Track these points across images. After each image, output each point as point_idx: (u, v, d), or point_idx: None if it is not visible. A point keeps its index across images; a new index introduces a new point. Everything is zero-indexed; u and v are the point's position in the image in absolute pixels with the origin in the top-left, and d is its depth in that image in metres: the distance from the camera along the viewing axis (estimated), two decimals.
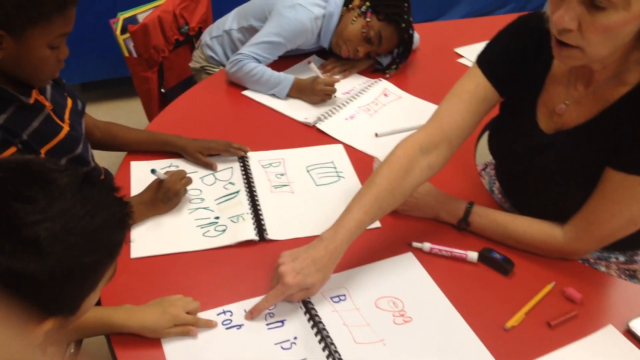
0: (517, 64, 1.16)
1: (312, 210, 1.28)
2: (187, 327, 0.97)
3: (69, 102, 1.25)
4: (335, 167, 1.42)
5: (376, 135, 1.57)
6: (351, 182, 1.37)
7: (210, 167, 1.37)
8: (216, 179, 1.35)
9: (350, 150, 1.50)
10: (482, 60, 1.19)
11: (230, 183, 1.33)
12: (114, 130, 1.40)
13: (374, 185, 1.09)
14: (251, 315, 1.00)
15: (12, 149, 1.07)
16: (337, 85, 1.69)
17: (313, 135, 1.55)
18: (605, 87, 1.05)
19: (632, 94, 1.02)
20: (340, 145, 1.51)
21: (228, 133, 1.46)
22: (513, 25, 1.18)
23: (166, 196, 1.20)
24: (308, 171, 1.40)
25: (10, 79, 1.09)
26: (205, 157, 1.37)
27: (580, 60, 0.98)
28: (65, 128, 1.18)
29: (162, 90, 2.07)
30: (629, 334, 1.03)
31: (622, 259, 1.25)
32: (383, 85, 1.80)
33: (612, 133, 1.04)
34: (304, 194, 1.33)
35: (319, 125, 1.59)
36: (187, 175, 1.26)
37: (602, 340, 1.01)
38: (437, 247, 1.19)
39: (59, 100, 1.21)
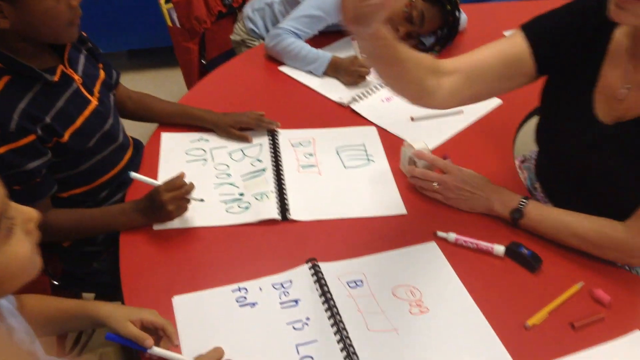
0: (567, 44, 1.08)
1: (337, 192, 1.26)
2: (142, 335, 0.89)
3: (102, 74, 1.25)
4: (365, 150, 1.39)
5: (412, 119, 1.53)
6: (381, 166, 1.34)
7: (245, 139, 1.37)
8: (244, 155, 1.35)
9: (384, 134, 1.47)
10: (528, 26, 1.11)
11: (258, 160, 1.33)
12: (147, 102, 1.41)
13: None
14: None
15: (31, 137, 1.04)
16: (370, 69, 1.65)
17: (347, 116, 1.53)
18: None
19: None
20: (373, 128, 1.47)
21: (261, 108, 1.45)
22: (570, 4, 1.10)
23: (158, 207, 1.10)
24: (338, 152, 1.38)
25: (39, 50, 1.08)
26: (238, 131, 1.37)
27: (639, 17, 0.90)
28: (94, 102, 1.18)
29: (203, 61, 2.07)
30: None
31: None
32: None
33: None
34: (331, 175, 1.31)
35: (354, 106, 1.56)
36: (190, 181, 1.13)
37: (628, 346, 0.97)
38: (462, 238, 1.15)
39: (91, 72, 1.22)
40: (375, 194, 1.26)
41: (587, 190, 1.12)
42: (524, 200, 1.15)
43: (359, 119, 1.52)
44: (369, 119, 1.52)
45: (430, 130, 1.48)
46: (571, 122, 1.12)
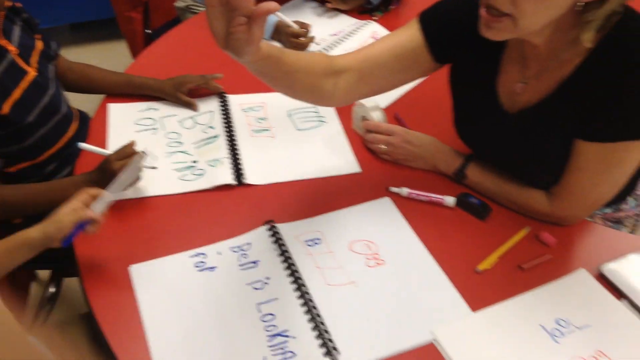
0: (465, 35, 1.05)
1: (291, 155, 1.27)
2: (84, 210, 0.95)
3: (39, 44, 1.21)
4: (317, 112, 1.40)
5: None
6: (333, 126, 1.36)
7: (191, 106, 1.36)
8: (195, 122, 1.34)
9: None
10: (425, 15, 1.10)
11: (209, 127, 1.32)
12: (89, 73, 1.37)
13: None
14: None
15: None
16: (323, 27, 1.64)
17: None
18: (557, 63, 1.00)
19: (583, 66, 0.97)
20: None
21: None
22: None
23: (110, 176, 1.06)
24: (289, 115, 1.38)
25: None
26: (185, 96, 1.35)
27: (510, 33, 0.92)
28: (32, 73, 1.15)
29: (148, 31, 2.02)
30: (601, 277, 1.04)
31: (608, 210, 1.25)
32: (372, 27, 1.75)
33: (573, 105, 1.00)
34: (284, 138, 1.32)
35: None
36: (139, 150, 1.11)
37: (573, 283, 1.02)
38: (415, 192, 1.18)
39: (28, 43, 1.18)
40: (329, 154, 1.28)
41: (513, 173, 1.16)
42: (466, 162, 1.19)
43: None
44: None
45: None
46: (479, 111, 1.15)
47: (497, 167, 1.17)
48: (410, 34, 1.10)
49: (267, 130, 1.34)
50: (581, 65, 0.97)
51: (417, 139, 1.24)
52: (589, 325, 0.95)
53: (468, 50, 1.10)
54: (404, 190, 1.19)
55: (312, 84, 1.01)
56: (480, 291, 1.01)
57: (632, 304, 0.98)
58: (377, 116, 1.29)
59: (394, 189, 1.19)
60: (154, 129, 1.31)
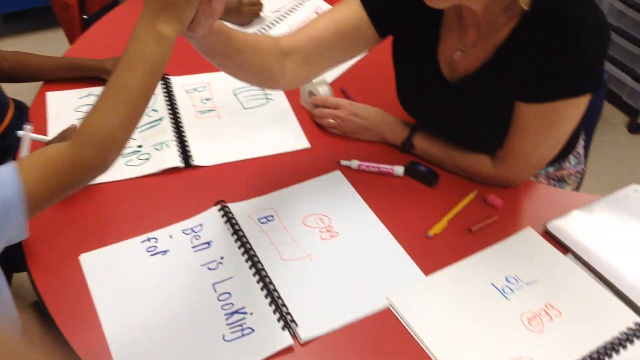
0: (405, 5, 1.08)
1: (240, 134, 1.26)
2: None
3: None
4: (263, 90, 1.39)
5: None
6: (280, 104, 1.35)
7: None
8: None
9: None
10: None
11: (153, 110, 1.29)
12: (23, 59, 1.32)
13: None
14: None
15: None
16: (266, 3, 1.63)
17: None
18: (492, 28, 1.02)
19: (517, 30, 1.00)
20: None
21: None
22: None
23: None
24: (235, 95, 1.37)
25: None
26: None
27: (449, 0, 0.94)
28: None
29: (85, 16, 1.96)
30: (547, 234, 1.07)
31: (551, 169, 1.29)
32: (314, 2, 1.74)
33: (511, 69, 1.02)
34: (231, 118, 1.30)
35: None
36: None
37: (520, 242, 1.06)
38: (364, 164, 1.19)
39: None
40: (278, 132, 1.27)
41: (458, 140, 1.18)
42: (412, 131, 1.20)
43: None
44: None
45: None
46: (421, 81, 1.17)
47: (442, 135, 1.19)
48: (351, 10, 1.09)
49: (212, 110, 1.32)
50: (515, 28, 1.00)
51: (364, 111, 1.24)
52: (537, 280, 0.99)
53: (408, 22, 1.11)
54: (354, 163, 1.20)
55: (261, 64, 1.00)
56: (432, 255, 1.03)
57: (577, 257, 1.03)
58: (323, 90, 1.29)
59: (344, 162, 1.20)
60: None
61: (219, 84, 1.39)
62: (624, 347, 0.89)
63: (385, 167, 1.19)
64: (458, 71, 1.11)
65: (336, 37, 1.08)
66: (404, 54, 1.18)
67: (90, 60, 1.33)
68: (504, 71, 1.04)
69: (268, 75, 1.03)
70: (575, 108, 1.03)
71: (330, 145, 1.25)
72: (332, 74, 1.43)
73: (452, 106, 1.13)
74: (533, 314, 0.94)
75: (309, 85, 1.30)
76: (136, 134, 1.21)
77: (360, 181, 1.17)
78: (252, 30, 1.60)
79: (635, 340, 0.90)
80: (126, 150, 1.18)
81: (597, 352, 0.88)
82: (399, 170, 1.18)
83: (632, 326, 0.92)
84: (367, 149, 1.24)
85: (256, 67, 1.00)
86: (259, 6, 1.60)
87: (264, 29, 1.61)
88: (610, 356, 0.88)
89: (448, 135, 1.18)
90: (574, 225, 1.08)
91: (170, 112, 1.29)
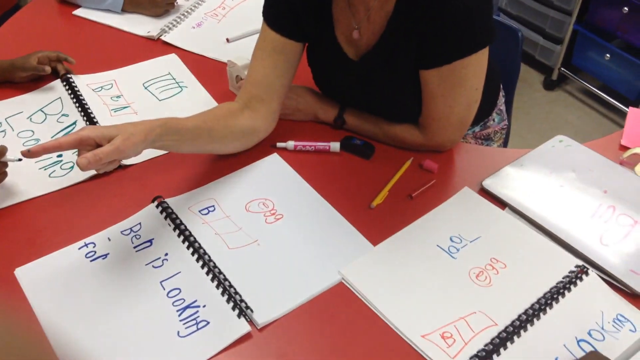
0: (299, 6, 1.10)
1: None
2: None
3: None
4: (174, 78, 1.35)
5: (227, 40, 1.51)
6: (195, 90, 1.32)
7: (41, 71, 1.27)
8: (46, 114, 1.24)
9: (203, 60, 1.43)
10: (266, 16, 1.13)
11: (63, 115, 1.23)
12: None
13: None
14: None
15: None
16: None
17: (159, 49, 1.46)
18: (379, 0, 1.04)
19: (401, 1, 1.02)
20: (173, 55, 1.43)
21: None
22: None
23: None
24: (146, 88, 1.32)
25: None
26: (36, 64, 1.26)
27: None
28: None
29: None
30: (483, 192, 1.11)
31: (477, 128, 1.33)
32: None
33: (405, 38, 1.04)
34: (148, 112, 1.26)
35: (165, 38, 1.49)
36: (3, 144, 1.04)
37: (460, 202, 1.08)
38: (300, 144, 1.19)
39: None
40: None
41: (375, 113, 1.19)
42: (343, 107, 1.21)
43: (172, 50, 1.46)
44: (183, 47, 1.47)
45: (248, 48, 1.46)
46: (330, 65, 1.18)
47: (366, 111, 1.20)
48: (270, 39, 1.12)
49: (126, 107, 1.27)
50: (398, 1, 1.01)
51: (295, 91, 1.23)
52: (480, 237, 1.02)
53: (306, 15, 1.11)
54: (290, 144, 1.19)
55: (230, 128, 1.09)
56: (377, 225, 1.04)
57: (514, 210, 1.06)
58: None
59: (280, 144, 1.19)
60: (3, 131, 1.19)
61: (125, 79, 1.35)
62: (569, 289, 0.93)
63: (321, 145, 1.18)
64: (360, 49, 1.12)
65: (276, 68, 1.13)
66: (310, 42, 1.19)
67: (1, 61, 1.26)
68: (400, 41, 1.05)
69: (244, 133, 1.12)
70: (475, 65, 1.05)
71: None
72: None
73: (362, 83, 1.15)
74: (480, 270, 0.96)
75: (236, 70, 1.27)
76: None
77: (298, 161, 1.16)
78: (167, 20, 1.55)
79: (578, 282, 0.94)
80: (46, 162, 1.12)
81: (544, 297, 0.92)
82: (335, 146, 1.18)
83: (574, 269, 0.96)
84: (300, 129, 1.23)
85: (230, 136, 1.09)
86: None
87: (176, 20, 1.56)
88: (557, 300, 0.92)
89: (370, 111, 1.19)
90: (508, 180, 1.11)
91: (83, 114, 1.23)
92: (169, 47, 1.47)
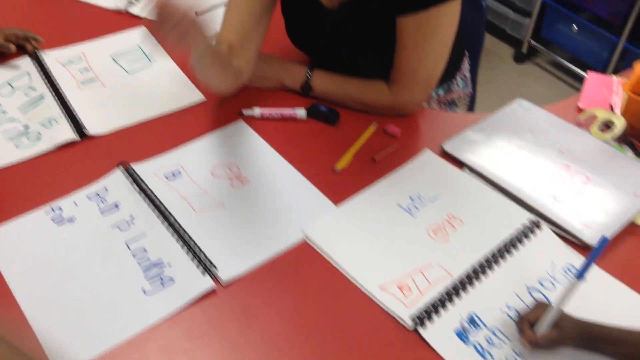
0: None
1: (130, 98, 1.24)
2: None
3: None
4: (143, 51, 1.36)
5: (196, 14, 1.51)
6: (165, 63, 1.33)
7: (7, 48, 1.27)
8: (12, 87, 1.23)
9: None
10: None
11: (30, 88, 1.23)
12: None
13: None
14: None
15: None
16: None
17: (127, 21, 1.46)
18: None
19: None
20: (143, 27, 1.43)
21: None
22: None
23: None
24: (115, 61, 1.33)
25: None
26: (2, 41, 1.27)
27: None
28: None
29: None
30: (444, 154, 1.14)
31: (441, 92, 1.35)
32: None
33: None
34: (117, 84, 1.27)
35: (132, 10, 1.49)
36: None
37: (420, 163, 1.12)
38: (267, 111, 1.20)
39: None
40: (169, 90, 1.26)
41: (346, 70, 1.21)
42: (309, 73, 1.22)
43: (139, 22, 1.46)
44: (151, 19, 1.47)
45: (218, 20, 1.48)
46: (305, 14, 1.19)
47: (338, 69, 1.22)
48: None
49: (95, 80, 1.28)
50: None
51: (262, 59, 1.24)
52: (438, 196, 1.05)
53: None
54: (257, 111, 1.20)
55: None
56: (341, 188, 1.07)
57: (472, 170, 1.10)
58: None
59: (247, 112, 1.21)
60: None
61: (95, 53, 1.35)
62: (521, 242, 0.97)
63: (287, 112, 1.20)
64: None
65: (252, 15, 1.14)
66: None
67: None
68: None
69: (235, 73, 1.14)
70: (449, 16, 1.08)
71: (231, 96, 1.25)
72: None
73: (337, 33, 1.16)
74: (437, 226, 1.00)
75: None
76: (19, 115, 1.17)
77: (265, 128, 1.18)
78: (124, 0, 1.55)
79: (531, 235, 0.98)
80: (12, 133, 1.13)
81: (498, 249, 0.96)
82: (302, 113, 1.20)
83: (527, 222, 1.00)
84: (267, 97, 1.25)
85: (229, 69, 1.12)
86: None
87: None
88: (509, 252, 0.95)
89: (342, 67, 1.21)
90: (468, 142, 1.15)
91: (50, 87, 1.23)
92: (137, 20, 1.47)
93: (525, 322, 0.82)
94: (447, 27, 1.10)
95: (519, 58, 2.77)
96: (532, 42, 2.71)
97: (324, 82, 1.22)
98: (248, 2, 1.14)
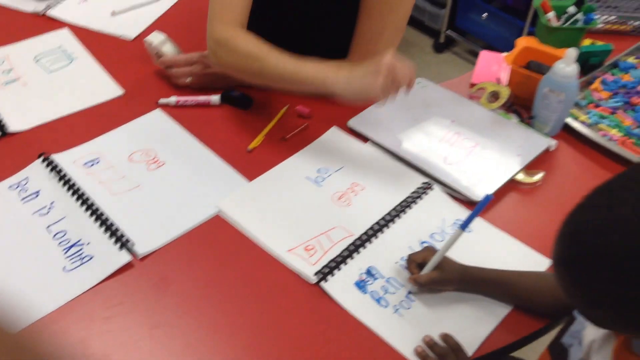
0: None
1: (50, 95, 1.28)
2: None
3: None
4: (64, 51, 1.40)
5: (113, 13, 1.56)
6: (85, 61, 1.38)
7: None
8: None
9: (88, 33, 1.48)
10: None
11: None
12: None
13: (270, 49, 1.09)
14: None
15: None
16: None
17: (45, 25, 1.50)
18: None
19: None
20: (66, 29, 1.48)
21: None
22: None
23: None
24: (37, 61, 1.37)
25: None
26: None
27: None
28: None
29: None
30: (350, 130, 1.23)
31: None
32: None
33: None
34: (37, 83, 1.31)
35: (50, 13, 1.53)
36: None
37: (328, 140, 1.20)
38: (182, 99, 1.27)
39: None
40: (89, 86, 1.30)
41: (305, 49, 1.18)
42: None
43: (59, 24, 1.50)
44: (70, 22, 1.51)
45: (133, 20, 1.54)
46: None
47: (299, 50, 1.21)
48: None
49: (16, 80, 1.32)
50: None
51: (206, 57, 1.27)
52: (343, 167, 1.14)
53: None
54: (172, 99, 1.27)
55: None
56: (253, 166, 1.14)
57: (374, 142, 1.19)
58: (168, 49, 1.31)
59: (163, 100, 1.27)
60: None
61: (18, 55, 1.39)
62: (415, 202, 1.07)
63: (202, 99, 1.27)
64: None
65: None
66: None
67: None
68: None
69: None
70: None
71: (147, 87, 1.31)
72: (139, 29, 1.48)
73: (299, 9, 1.21)
74: (341, 193, 1.09)
75: (152, 48, 1.31)
76: None
77: (182, 116, 1.25)
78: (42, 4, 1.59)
79: (424, 196, 1.08)
80: None
81: (394, 210, 1.05)
82: (216, 99, 1.27)
83: (421, 185, 1.10)
84: (183, 87, 1.31)
85: None
86: None
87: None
88: (404, 211, 1.05)
89: (302, 47, 1.19)
90: (371, 118, 1.24)
91: None
92: (56, 22, 1.51)
93: (413, 263, 0.92)
94: (406, 6, 1.17)
95: (438, 48, 2.92)
96: (449, 32, 2.86)
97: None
98: None
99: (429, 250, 0.93)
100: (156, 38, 1.31)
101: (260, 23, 1.29)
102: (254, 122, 1.25)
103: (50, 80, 1.32)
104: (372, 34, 1.21)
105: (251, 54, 1.07)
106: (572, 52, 1.12)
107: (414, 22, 2.94)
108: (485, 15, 2.67)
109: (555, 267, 0.63)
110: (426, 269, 0.90)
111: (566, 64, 1.13)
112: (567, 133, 1.24)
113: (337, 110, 1.30)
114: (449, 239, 0.89)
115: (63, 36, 1.46)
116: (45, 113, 1.23)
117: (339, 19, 1.24)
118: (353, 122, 1.23)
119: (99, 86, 1.31)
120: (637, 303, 0.57)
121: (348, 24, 1.23)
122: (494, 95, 1.28)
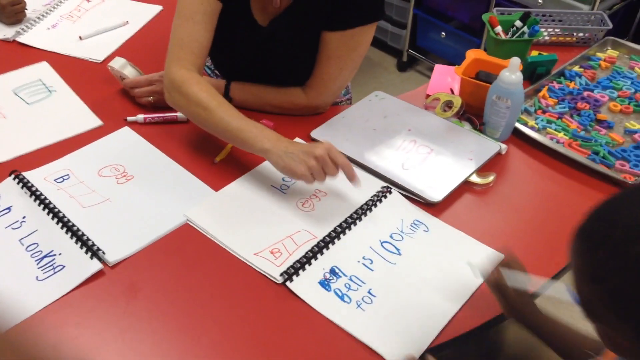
0: None
1: (28, 126, 1.31)
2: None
3: None
4: (44, 84, 1.44)
5: (80, 38, 1.61)
6: (65, 94, 1.41)
7: None
8: None
9: (58, 58, 1.52)
10: None
11: None
12: None
13: (221, 101, 1.15)
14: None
15: None
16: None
17: (17, 52, 1.54)
18: None
19: None
20: (45, 63, 1.51)
21: None
22: None
23: None
24: (16, 94, 1.40)
25: None
26: None
27: None
28: None
29: None
30: (313, 140, 1.28)
31: None
32: None
33: (315, 3, 1.19)
34: (17, 114, 1.34)
35: (20, 39, 1.57)
36: None
37: None
38: (149, 116, 1.32)
39: None
40: (68, 117, 1.33)
41: (267, 80, 1.33)
42: (228, 87, 1.32)
43: (29, 51, 1.54)
44: (38, 47, 1.55)
45: (100, 44, 1.59)
46: (235, 29, 1.29)
47: (257, 77, 1.32)
48: (200, 0, 1.17)
49: None
50: None
51: None
52: None
53: None
54: (140, 117, 1.31)
55: None
56: (220, 176, 1.19)
57: None
58: (130, 72, 1.36)
59: (131, 118, 1.31)
60: None
61: None
62: (375, 205, 1.13)
63: (169, 115, 1.32)
64: (270, 14, 1.24)
65: (210, 34, 1.21)
66: (222, 12, 1.23)
67: None
68: (310, 6, 1.20)
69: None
70: (369, 34, 1.24)
71: (114, 104, 1.36)
72: (105, 52, 1.53)
73: (263, 48, 1.28)
74: (305, 199, 1.14)
75: (116, 72, 1.36)
76: None
77: (150, 132, 1.29)
78: (23, 24, 1.63)
79: (383, 199, 1.14)
80: None
81: (355, 213, 1.11)
82: (182, 115, 1.32)
83: (380, 189, 1.16)
84: (148, 105, 1.36)
85: None
86: (21, 4, 1.63)
87: (34, 21, 1.64)
88: (365, 214, 1.11)
89: (261, 78, 1.32)
90: (331, 129, 1.30)
91: None
92: (27, 49, 1.55)
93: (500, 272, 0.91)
94: (366, 44, 1.26)
95: (401, 67, 3.02)
96: (410, 51, 2.97)
97: (243, 93, 1.33)
98: (201, 21, 1.17)
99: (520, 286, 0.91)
100: (117, 62, 1.37)
101: (219, 59, 1.36)
102: None
103: (29, 113, 1.35)
104: (331, 74, 1.29)
105: (201, 103, 1.14)
106: (515, 61, 1.20)
107: (378, 42, 3.04)
108: (443, 34, 2.78)
109: (576, 238, 0.67)
110: (514, 281, 0.90)
111: (511, 72, 1.21)
112: (517, 137, 1.32)
113: (300, 122, 1.36)
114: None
115: (42, 69, 1.49)
116: (24, 144, 1.25)
117: (297, 62, 1.31)
118: (316, 133, 1.29)
119: (78, 117, 1.33)
120: (634, 289, 0.60)
121: (307, 64, 1.30)
122: (448, 105, 1.35)
